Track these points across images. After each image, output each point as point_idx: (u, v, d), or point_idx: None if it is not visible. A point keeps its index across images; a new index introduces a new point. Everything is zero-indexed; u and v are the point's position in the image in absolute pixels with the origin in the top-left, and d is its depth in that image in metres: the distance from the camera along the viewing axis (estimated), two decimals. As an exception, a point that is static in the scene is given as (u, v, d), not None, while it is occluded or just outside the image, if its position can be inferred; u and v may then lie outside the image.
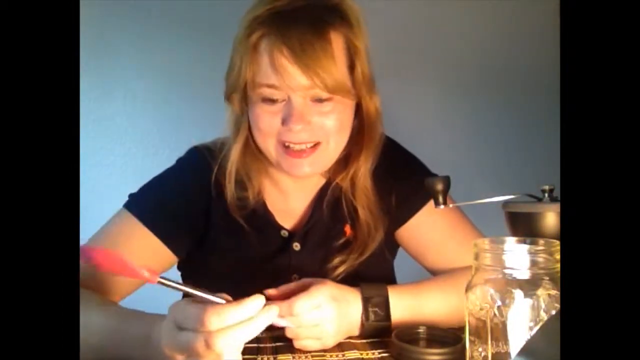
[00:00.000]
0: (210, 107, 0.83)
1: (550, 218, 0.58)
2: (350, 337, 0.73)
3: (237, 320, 0.53)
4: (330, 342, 0.70)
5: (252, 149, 0.83)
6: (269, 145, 0.78)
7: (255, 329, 0.54)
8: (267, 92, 0.74)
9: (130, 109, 1.71)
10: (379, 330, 0.73)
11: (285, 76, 0.72)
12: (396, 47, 1.78)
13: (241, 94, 0.78)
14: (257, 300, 0.54)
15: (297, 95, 0.74)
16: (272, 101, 0.75)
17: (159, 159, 0.91)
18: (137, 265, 0.51)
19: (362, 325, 0.72)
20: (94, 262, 0.50)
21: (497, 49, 1.82)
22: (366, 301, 0.73)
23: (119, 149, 1.72)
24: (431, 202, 0.67)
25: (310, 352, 0.69)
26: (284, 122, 0.75)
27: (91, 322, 0.67)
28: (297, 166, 0.78)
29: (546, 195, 0.61)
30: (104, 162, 1.71)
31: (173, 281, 0.54)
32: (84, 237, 0.81)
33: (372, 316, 0.72)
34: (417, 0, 1.80)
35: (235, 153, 0.82)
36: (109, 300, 0.78)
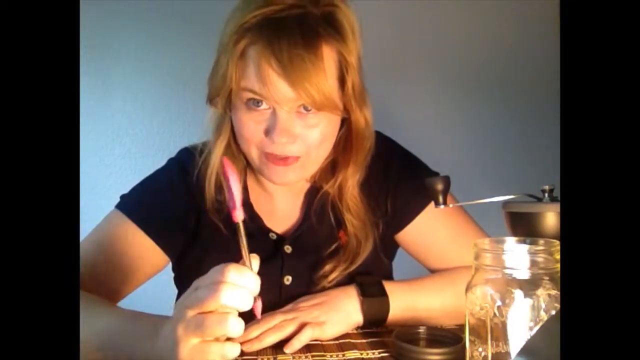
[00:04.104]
0: (208, 111, 0.83)
1: (550, 218, 0.58)
2: (350, 338, 0.73)
3: (249, 286, 0.55)
4: (330, 331, 0.73)
5: (233, 150, 0.82)
6: (252, 152, 0.77)
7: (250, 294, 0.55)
8: (252, 96, 0.72)
9: (130, 109, 1.71)
10: (378, 309, 0.76)
11: (272, 88, 0.69)
12: (396, 48, 1.78)
13: (225, 98, 0.75)
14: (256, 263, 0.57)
15: (282, 108, 0.71)
16: (257, 107, 0.72)
17: (158, 159, 0.91)
18: None
19: (362, 304, 0.75)
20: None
21: (498, 49, 1.82)
22: (360, 284, 0.78)
23: (119, 149, 1.72)
24: (432, 204, 0.67)
25: (310, 351, 0.69)
26: (267, 132, 0.73)
27: (98, 323, 0.68)
28: (279, 174, 0.76)
29: (546, 195, 0.61)
30: (104, 162, 1.71)
31: None
32: (84, 237, 0.82)
33: (367, 292, 0.77)
34: (417, 1, 1.80)
35: (215, 156, 0.80)
36: (111, 303, 0.78)
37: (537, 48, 1.80)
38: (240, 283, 0.54)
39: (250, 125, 0.74)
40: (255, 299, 0.56)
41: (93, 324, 0.67)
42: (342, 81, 0.75)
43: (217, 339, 0.54)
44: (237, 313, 0.54)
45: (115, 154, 1.72)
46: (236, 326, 0.53)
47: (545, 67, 1.76)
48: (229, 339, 0.55)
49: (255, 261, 0.57)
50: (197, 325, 0.54)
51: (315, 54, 0.69)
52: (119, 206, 0.84)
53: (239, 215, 0.56)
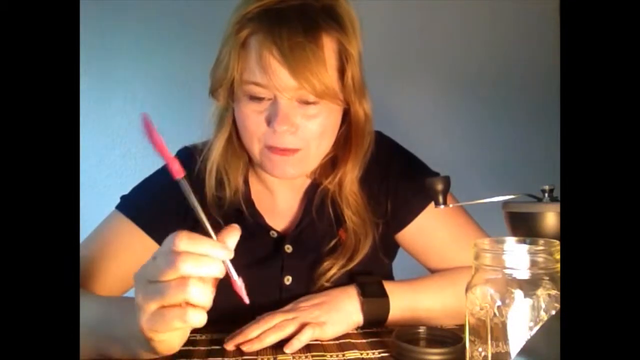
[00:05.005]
0: (210, 107, 0.83)
1: (550, 218, 0.58)
2: (350, 338, 0.73)
3: (207, 253, 0.51)
4: (330, 330, 0.72)
5: (234, 145, 0.82)
6: (254, 145, 0.78)
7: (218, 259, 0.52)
8: (254, 89, 0.73)
9: (130, 109, 1.71)
10: (378, 309, 0.76)
11: (273, 76, 0.71)
12: (396, 47, 1.78)
13: (227, 90, 0.76)
14: (232, 235, 0.53)
15: (284, 96, 0.73)
16: (259, 99, 0.74)
17: (158, 159, 0.91)
18: None
19: (362, 304, 0.75)
20: None
21: (497, 49, 1.82)
22: (361, 284, 0.78)
23: (119, 149, 1.72)
24: (432, 204, 0.67)
25: (310, 351, 0.69)
26: (269, 122, 0.74)
27: (86, 311, 0.67)
28: (280, 167, 0.77)
29: (546, 195, 0.61)
30: (104, 162, 1.71)
31: None
32: (84, 237, 0.82)
33: (367, 292, 0.76)
34: (418, 1, 1.80)
35: (216, 150, 0.81)
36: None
37: (536, 48, 1.80)
38: (196, 250, 0.50)
39: (252, 117, 0.75)
40: (233, 279, 0.53)
41: (82, 313, 0.66)
42: (341, 72, 0.76)
43: (180, 306, 0.51)
44: (205, 279, 0.51)
45: (115, 154, 1.72)
46: (197, 291, 0.50)
47: (545, 67, 1.76)
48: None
49: (233, 234, 0.53)
50: (155, 291, 0.51)
51: (315, 43, 0.70)
52: (119, 207, 0.84)
53: (178, 170, 0.52)
